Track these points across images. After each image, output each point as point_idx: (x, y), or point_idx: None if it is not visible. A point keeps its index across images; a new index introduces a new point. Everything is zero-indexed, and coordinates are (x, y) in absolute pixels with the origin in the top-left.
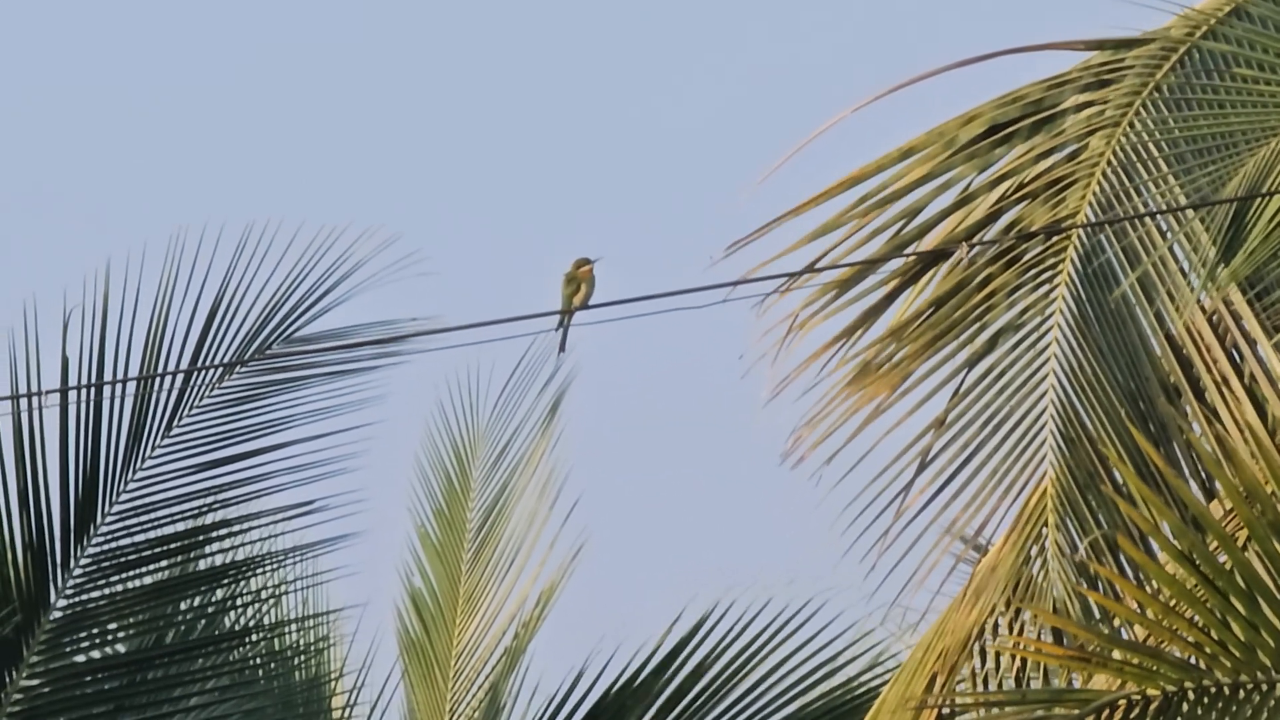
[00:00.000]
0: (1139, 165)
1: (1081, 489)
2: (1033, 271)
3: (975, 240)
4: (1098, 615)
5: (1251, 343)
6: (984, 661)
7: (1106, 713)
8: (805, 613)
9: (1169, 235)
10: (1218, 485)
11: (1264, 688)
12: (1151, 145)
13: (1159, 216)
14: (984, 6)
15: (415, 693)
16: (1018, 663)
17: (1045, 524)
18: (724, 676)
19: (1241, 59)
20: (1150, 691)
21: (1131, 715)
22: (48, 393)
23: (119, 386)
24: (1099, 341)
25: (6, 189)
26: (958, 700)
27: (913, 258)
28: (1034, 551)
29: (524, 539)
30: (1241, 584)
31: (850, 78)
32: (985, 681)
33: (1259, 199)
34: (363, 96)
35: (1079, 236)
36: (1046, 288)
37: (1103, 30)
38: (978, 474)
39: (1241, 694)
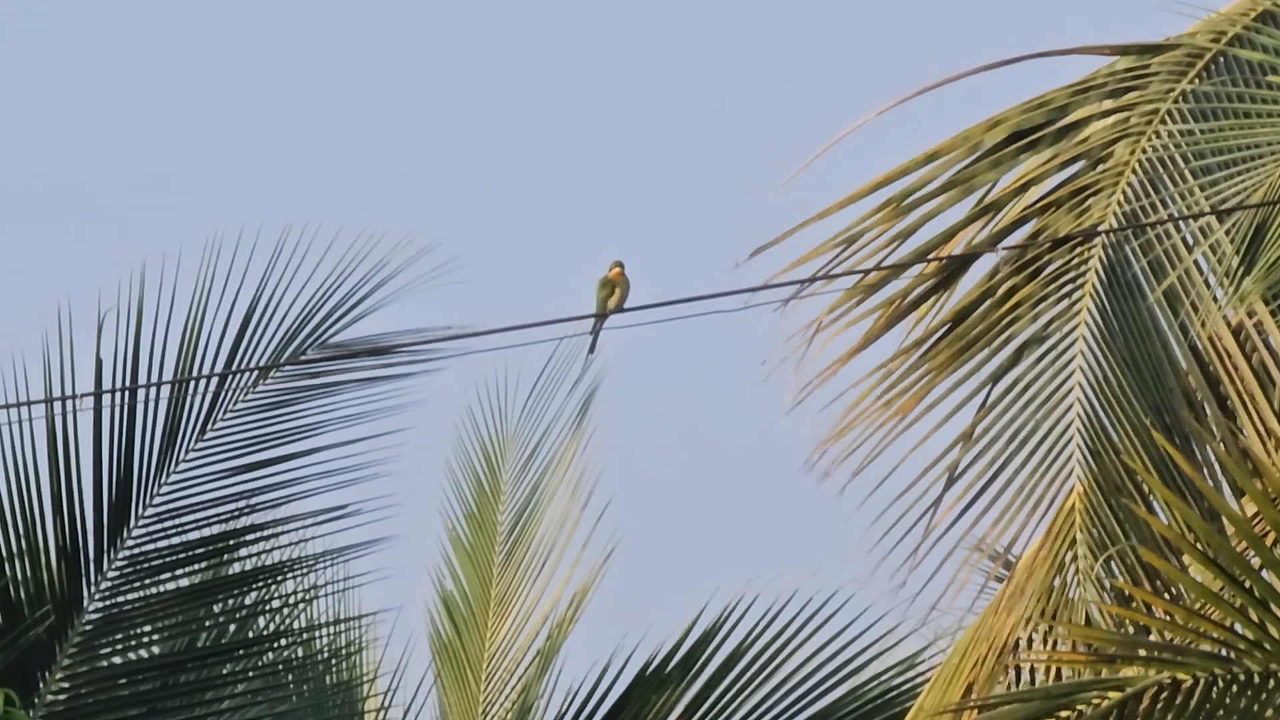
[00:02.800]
0: (1164, 175)
1: (1109, 501)
2: (1057, 283)
3: (1002, 245)
4: (1129, 629)
5: (1273, 351)
6: (1019, 674)
7: (1131, 705)
8: (833, 605)
9: (1194, 246)
10: (1244, 492)
11: None
12: (1177, 155)
13: (1184, 228)
14: (1010, 10)
15: (448, 695)
16: (1053, 672)
17: (1075, 536)
18: (752, 669)
19: (1275, 67)
20: (1180, 676)
21: (1158, 706)
22: (82, 396)
23: (153, 390)
24: (1124, 353)
25: (43, 192)
26: (986, 702)
27: (938, 264)
28: (1066, 558)
29: (555, 541)
30: (1273, 581)
31: (877, 79)
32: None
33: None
34: (401, 103)
35: (1103, 247)
36: (1070, 299)
37: (1128, 35)
38: (1006, 489)
39: (1272, 682)
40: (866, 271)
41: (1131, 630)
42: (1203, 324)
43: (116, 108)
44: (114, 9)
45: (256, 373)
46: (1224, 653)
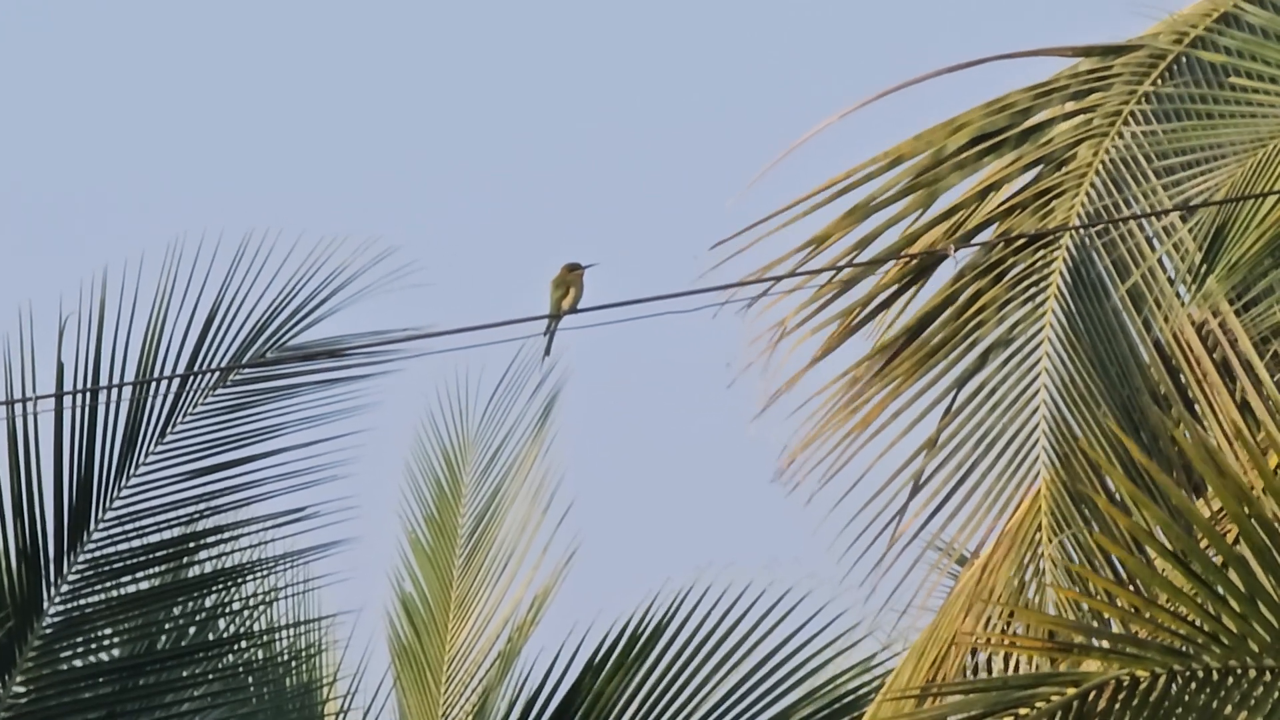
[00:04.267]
0: (1127, 175)
1: (1074, 500)
2: (1022, 285)
3: (965, 242)
4: (1089, 619)
5: (1238, 352)
6: (976, 670)
7: (1093, 695)
8: (790, 600)
9: (1157, 245)
10: (1208, 488)
11: (1252, 672)
12: (1140, 155)
13: (1148, 227)
14: (974, 11)
15: (407, 698)
16: (1012, 664)
17: (1038, 534)
18: (708, 665)
19: (1237, 69)
20: (1139, 673)
21: (1116, 702)
22: (42, 398)
23: (114, 393)
24: (1090, 353)
25: (4, 196)
26: (943, 692)
27: (901, 267)
28: (1027, 557)
29: (516, 544)
30: (1232, 579)
31: (842, 82)
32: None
33: (1247, 203)
34: (361, 108)
35: (1067, 249)
36: (1035, 302)
37: (1091, 36)
38: (973, 493)
39: (1230, 679)
40: (820, 271)
41: (1093, 622)
42: (1165, 318)
43: (78, 114)
44: (73, 17)
45: (216, 376)
46: (1183, 648)
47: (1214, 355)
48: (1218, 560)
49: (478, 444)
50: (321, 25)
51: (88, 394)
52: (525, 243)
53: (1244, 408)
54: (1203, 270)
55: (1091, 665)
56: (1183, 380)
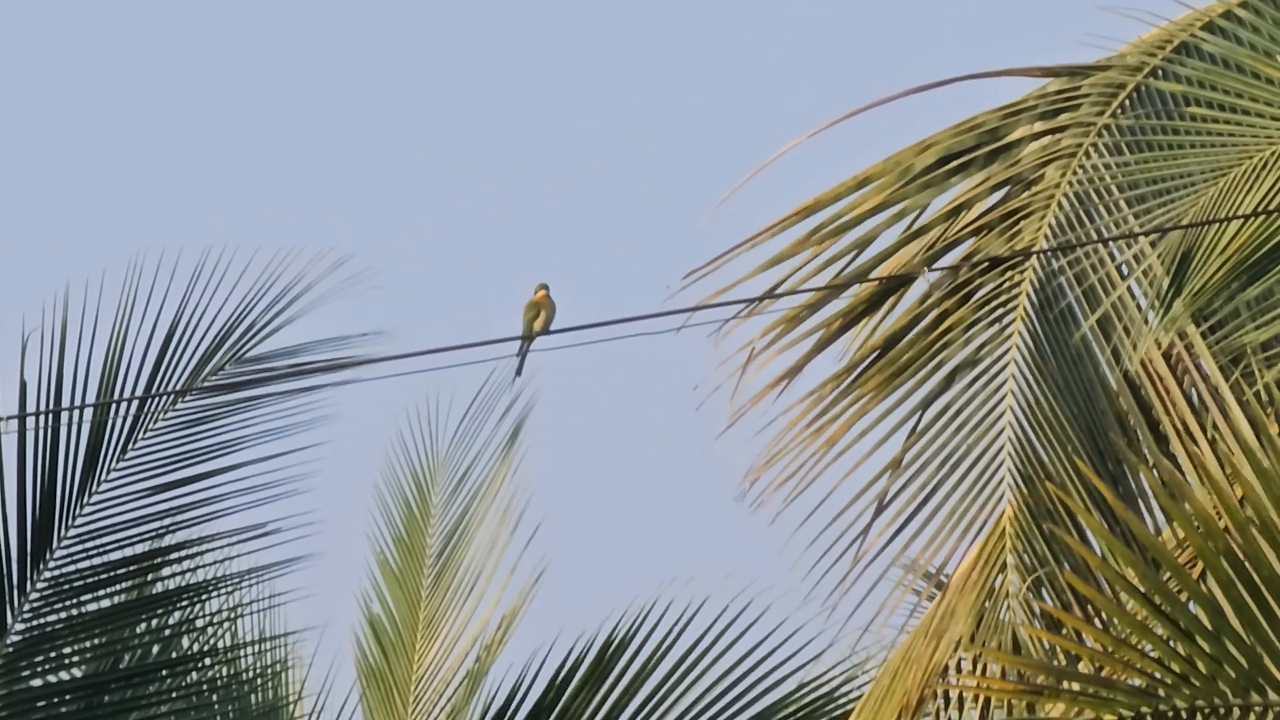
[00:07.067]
0: (1095, 197)
1: (1039, 526)
2: (989, 306)
3: (935, 266)
4: (1059, 654)
5: (1206, 377)
6: (948, 702)
7: None
8: (751, 612)
9: (1125, 270)
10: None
11: (1221, 711)
12: (1108, 176)
13: (1118, 255)
14: (944, 32)
15: (374, 717)
16: (982, 699)
17: (1004, 560)
18: (670, 681)
19: (1194, 98)
20: (1107, 718)
21: None
22: (6, 419)
23: (76, 410)
24: (1056, 376)
25: None
26: None
27: (869, 288)
28: (997, 581)
29: (484, 564)
30: (1196, 613)
31: (809, 102)
32: (948, 716)
33: (1210, 230)
34: (322, 121)
35: (1035, 270)
36: (1001, 323)
37: (1060, 56)
38: (937, 513)
39: (1199, 718)
40: (791, 293)
41: (1063, 659)
42: (1134, 345)
43: (37, 131)
44: (35, 35)
45: (175, 393)
46: (1152, 688)
47: (1181, 380)
48: (1184, 596)
49: (447, 465)
50: (273, 41)
51: (50, 414)
52: (489, 251)
53: (1213, 429)
54: (1170, 293)
55: (1058, 709)
56: (1150, 407)
